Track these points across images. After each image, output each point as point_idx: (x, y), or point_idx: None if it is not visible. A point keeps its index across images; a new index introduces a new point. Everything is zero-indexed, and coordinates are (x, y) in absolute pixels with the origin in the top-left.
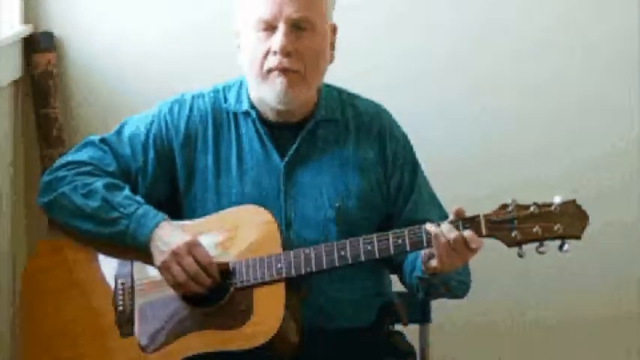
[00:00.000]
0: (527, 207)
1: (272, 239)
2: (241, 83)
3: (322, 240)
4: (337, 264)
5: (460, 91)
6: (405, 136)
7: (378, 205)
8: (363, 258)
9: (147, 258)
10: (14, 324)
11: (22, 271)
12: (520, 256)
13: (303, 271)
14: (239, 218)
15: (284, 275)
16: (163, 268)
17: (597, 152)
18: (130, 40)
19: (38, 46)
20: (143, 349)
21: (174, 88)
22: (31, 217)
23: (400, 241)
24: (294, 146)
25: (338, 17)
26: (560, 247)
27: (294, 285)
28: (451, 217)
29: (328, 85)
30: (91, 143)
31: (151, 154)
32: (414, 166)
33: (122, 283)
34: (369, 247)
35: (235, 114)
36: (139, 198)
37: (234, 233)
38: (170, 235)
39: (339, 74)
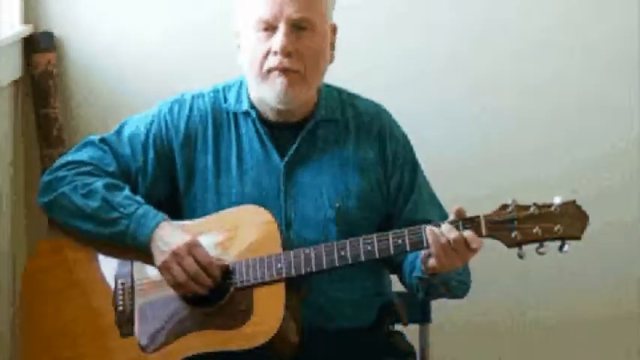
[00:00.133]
0: (527, 207)
1: (272, 239)
2: (241, 83)
3: (322, 240)
4: (337, 264)
5: (460, 91)
6: (405, 136)
7: (378, 205)
8: (363, 258)
9: (147, 258)
10: (14, 324)
11: (22, 271)
12: (520, 256)
13: (303, 271)
14: (239, 218)
15: (284, 275)
16: (163, 269)
17: (597, 152)
18: (130, 40)
19: (38, 46)
20: (143, 349)
21: (174, 88)
22: (31, 217)
23: (400, 241)
24: (294, 146)
25: (338, 17)
26: (560, 248)
27: (294, 285)
28: (451, 217)
29: (328, 85)
30: (91, 143)
31: (151, 154)
32: (414, 166)
33: (122, 283)
34: (369, 247)
35: (235, 114)
36: (138, 198)
37: (234, 233)
38: (170, 236)
39: (339, 74)
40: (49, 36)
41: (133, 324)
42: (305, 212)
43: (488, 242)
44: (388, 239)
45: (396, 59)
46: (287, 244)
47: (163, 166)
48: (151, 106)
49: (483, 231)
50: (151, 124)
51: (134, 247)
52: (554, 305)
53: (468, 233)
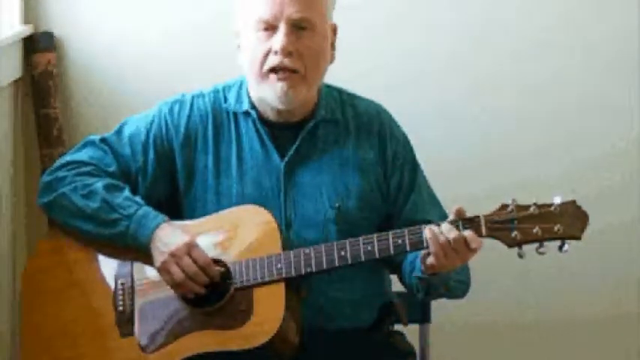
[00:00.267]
0: (527, 207)
1: (272, 239)
2: (241, 83)
3: (322, 240)
4: (337, 264)
5: (460, 91)
6: (404, 136)
7: (378, 206)
8: (363, 258)
9: (147, 258)
10: (14, 324)
11: (22, 271)
12: (520, 256)
13: (303, 271)
14: (239, 218)
15: (284, 275)
16: (162, 269)
17: (597, 152)
18: (130, 40)
19: (38, 46)
20: (143, 349)
21: (174, 88)
22: (31, 217)
23: (400, 241)
24: (294, 146)
25: (338, 17)
26: (560, 248)
27: (294, 285)
28: (451, 217)
29: (328, 86)
30: (91, 143)
31: (151, 154)
32: (414, 166)
33: (122, 283)
34: (369, 248)
35: (235, 114)
36: (138, 199)
37: (234, 233)
38: (169, 237)
39: (339, 74)
40: (49, 36)
41: (133, 324)
42: (305, 212)
43: (489, 242)
44: (388, 239)
45: (396, 59)
46: (287, 244)
47: (163, 166)
48: (150, 106)
49: (483, 231)
50: (151, 124)
51: (134, 248)
52: (554, 305)
53: (467, 233)
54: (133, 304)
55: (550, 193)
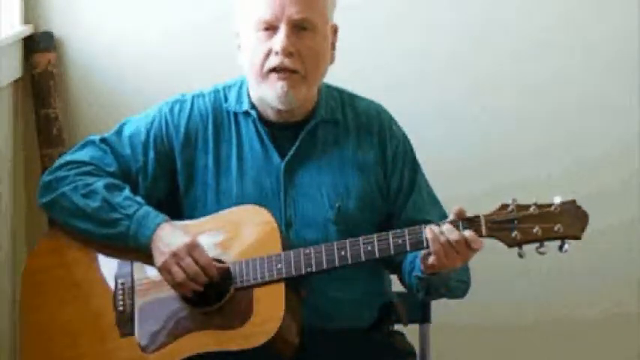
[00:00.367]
0: (527, 207)
1: (272, 239)
2: (242, 83)
3: (322, 240)
4: (337, 264)
5: (460, 91)
6: (404, 136)
7: (378, 206)
8: (363, 258)
9: (147, 258)
10: (14, 324)
11: (22, 271)
12: (520, 256)
13: (303, 271)
14: (239, 218)
15: (284, 275)
16: (163, 269)
17: (597, 152)
18: (130, 40)
19: (38, 46)
20: (143, 349)
21: (174, 88)
22: (31, 217)
23: (400, 241)
24: (295, 146)
25: (338, 17)
26: (560, 248)
27: (294, 285)
28: (451, 217)
29: (328, 86)
30: (92, 143)
31: (152, 154)
32: (414, 166)
33: (122, 283)
34: (369, 248)
35: (236, 114)
36: (139, 199)
37: (235, 233)
38: (170, 236)
39: (339, 74)
40: (49, 36)
41: (133, 324)
42: (305, 212)
43: (489, 242)
44: (388, 239)
45: (396, 59)
46: (287, 244)
47: (164, 166)
48: (150, 106)
49: (483, 231)
50: (152, 123)
51: (135, 248)
52: (554, 305)
53: (468, 233)
54: (133, 304)
55: (550, 193)
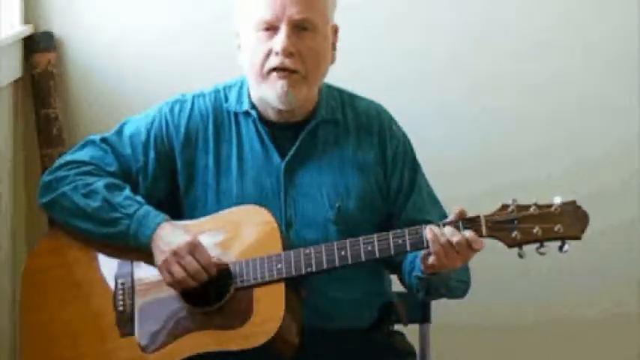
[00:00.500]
0: (527, 207)
1: (272, 239)
2: (242, 83)
3: (322, 240)
4: (337, 264)
5: (460, 91)
6: (405, 136)
7: (378, 206)
8: (363, 258)
9: (147, 258)
10: (14, 324)
11: (22, 271)
12: (520, 256)
13: (303, 271)
14: (239, 218)
15: (284, 275)
16: (163, 268)
17: (597, 152)
18: (130, 40)
19: (38, 46)
20: (143, 349)
21: (174, 88)
22: (31, 217)
23: (400, 241)
24: (295, 146)
25: (338, 17)
26: (560, 248)
27: (294, 285)
28: (451, 217)
29: (329, 86)
30: (92, 143)
31: (152, 153)
32: (414, 166)
33: (122, 283)
34: (370, 248)
35: (236, 114)
36: (139, 198)
37: (235, 233)
38: (171, 235)
39: (339, 74)
40: (49, 36)
41: (133, 324)
42: (305, 212)
43: (489, 242)
44: (388, 239)
45: (396, 59)
46: (287, 244)
47: (164, 166)
48: (150, 106)
49: (484, 231)
50: (152, 123)
51: (135, 248)
52: (554, 305)
53: (468, 233)
54: (133, 304)
55: (550, 193)
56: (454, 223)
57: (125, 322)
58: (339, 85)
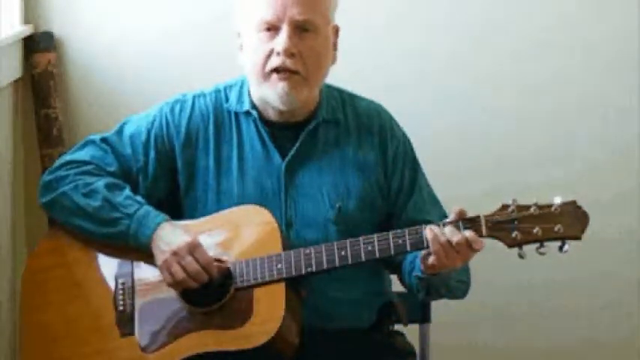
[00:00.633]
0: (527, 207)
1: (272, 239)
2: (242, 83)
3: (322, 240)
4: (337, 264)
5: (460, 91)
6: (405, 136)
7: (379, 206)
8: (363, 258)
9: (147, 258)
10: (14, 324)
11: (23, 271)
12: (521, 256)
13: (303, 271)
14: (239, 218)
15: (284, 275)
16: (164, 268)
17: (597, 152)
18: (130, 40)
19: (38, 46)
20: (143, 349)
21: (174, 88)
22: (31, 217)
23: (400, 241)
24: (295, 146)
25: (338, 17)
26: (561, 248)
27: (295, 285)
28: (452, 217)
29: (329, 86)
30: (92, 142)
31: (152, 153)
32: (415, 166)
33: (122, 283)
34: (370, 248)
35: (236, 114)
36: (139, 198)
37: (235, 233)
38: (171, 236)
39: (339, 74)
40: (49, 36)
41: (133, 324)
42: (305, 212)
43: (489, 242)
44: (388, 239)
45: (396, 59)
46: (287, 244)
47: (164, 166)
48: (150, 106)
49: (484, 231)
50: (152, 123)
51: (135, 247)
52: (554, 305)
53: (468, 233)
54: (133, 304)
55: (550, 194)
56: (454, 223)
57: (125, 322)
58: (340, 85)
